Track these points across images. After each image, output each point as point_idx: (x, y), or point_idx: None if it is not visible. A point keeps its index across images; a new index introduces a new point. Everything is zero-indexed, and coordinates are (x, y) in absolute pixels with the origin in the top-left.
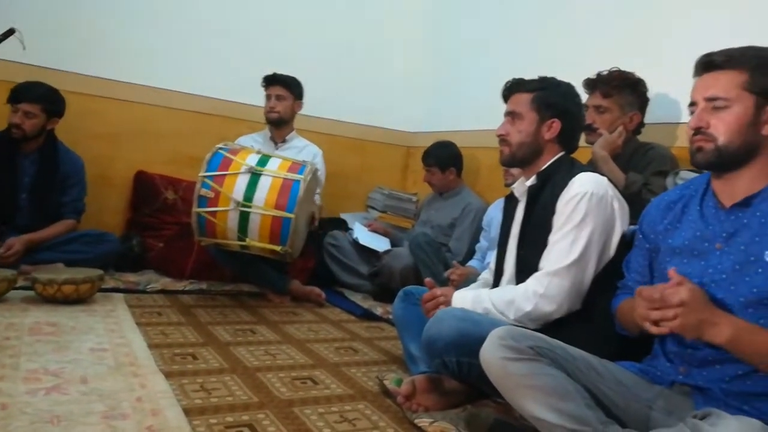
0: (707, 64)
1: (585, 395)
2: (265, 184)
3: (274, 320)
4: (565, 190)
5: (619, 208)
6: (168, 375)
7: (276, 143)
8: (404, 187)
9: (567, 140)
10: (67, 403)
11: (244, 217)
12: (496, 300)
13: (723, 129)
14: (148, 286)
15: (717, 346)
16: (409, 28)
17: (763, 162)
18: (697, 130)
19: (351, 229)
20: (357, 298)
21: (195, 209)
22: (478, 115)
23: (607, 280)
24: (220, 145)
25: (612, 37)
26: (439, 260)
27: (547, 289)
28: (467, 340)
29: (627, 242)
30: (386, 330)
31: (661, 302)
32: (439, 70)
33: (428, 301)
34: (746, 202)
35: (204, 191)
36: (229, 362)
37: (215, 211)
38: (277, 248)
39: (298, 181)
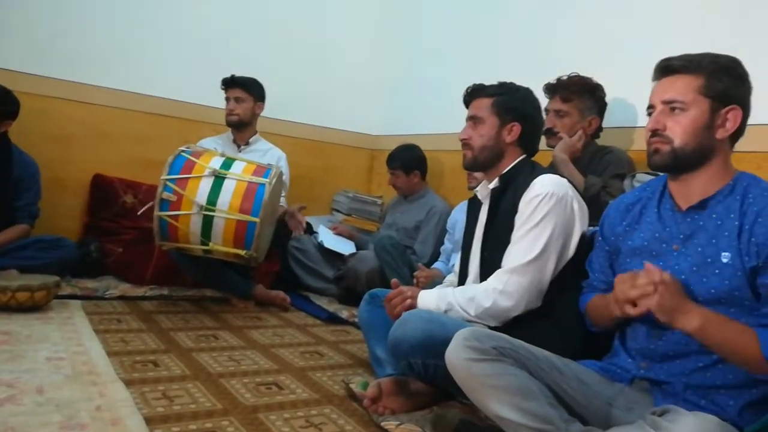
0: (666, 69)
1: (548, 394)
2: (229, 188)
3: (238, 325)
4: (527, 191)
5: (579, 209)
6: (128, 383)
7: (239, 146)
8: (369, 189)
9: (527, 143)
10: (22, 415)
11: (207, 221)
12: (459, 296)
13: (679, 131)
14: (107, 293)
15: (678, 339)
16: (372, 32)
17: (718, 165)
18: (654, 132)
19: (316, 232)
20: (322, 302)
21: (156, 213)
22: (441, 118)
23: (567, 280)
24: (182, 148)
25: (571, 43)
26: (405, 263)
27: (506, 285)
28: (433, 342)
29: (588, 243)
30: (352, 333)
31: (644, 280)
32: (402, 74)
33: (393, 298)
34: (702, 205)
35: (166, 194)
36: (192, 369)
37: (177, 215)
38: (242, 252)
39: (263, 185)
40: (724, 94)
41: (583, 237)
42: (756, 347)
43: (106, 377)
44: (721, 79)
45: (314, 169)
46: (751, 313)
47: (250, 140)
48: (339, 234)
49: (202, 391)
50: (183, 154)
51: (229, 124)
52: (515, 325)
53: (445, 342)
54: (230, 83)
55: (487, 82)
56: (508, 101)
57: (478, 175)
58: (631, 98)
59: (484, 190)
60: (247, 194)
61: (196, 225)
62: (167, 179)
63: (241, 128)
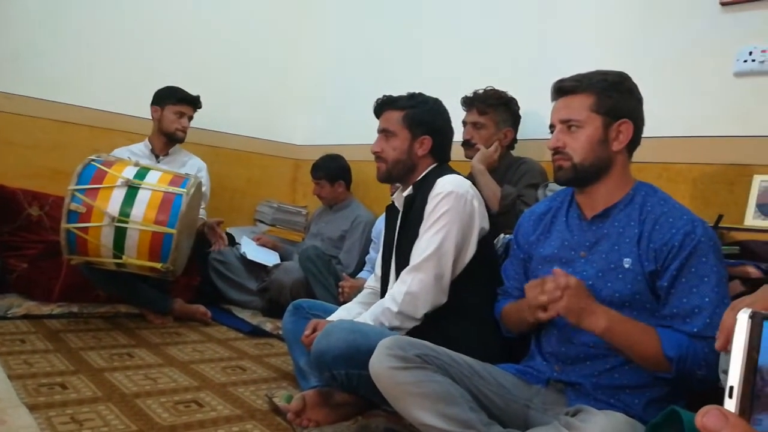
0: (559, 90)
1: (469, 399)
2: (143, 199)
3: (154, 342)
4: (432, 188)
5: (479, 206)
6: (33, 408)
7: (158, 156)
8: (293, 200)
9: (439, 153)
10: None
11: (120, 234)
12: (369, 319)
13: (577, 148)
14: (9, 311)
15: (588, 342)
16: (295, 41)
17: (618, 175)
18: (556, 150)
19: (238, 243)
20: (245, 315)
21: (64, 225)
22: (366, 128)
23: (478, 280)
24: (92, 157)
25: (487, 56)
26: (330, 273)
27: (410, 285)
28: (356, 352)
29: (503, 251)
30: (276, 346)
31: (551, 285)
32: (326, 84)
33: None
34: (605, 214)
35: (74, 206)
36: (104, 390)
37: (87, 227)
38: (158, 266)
39: (180, 195)
40: (614, 109)
41: (488, 237)
42: (657, 346)
43: (7, 402)
44: (611, 96)
45: (237, 180)
46: (652, 314)
47: (170, 150)
48: (262, 245)
49: (114, 413)
50: (93, 163)
51: (175, 139)
52: (436, 331)
53: (369, 351)
54: (194, 103)
55: (409, 92)
56: (418, 115)
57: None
58: (543, 111)
59: (400, 197)
60: (163, 205)
61: (107, 237)
62: (76, 189)
63: (175, 142)
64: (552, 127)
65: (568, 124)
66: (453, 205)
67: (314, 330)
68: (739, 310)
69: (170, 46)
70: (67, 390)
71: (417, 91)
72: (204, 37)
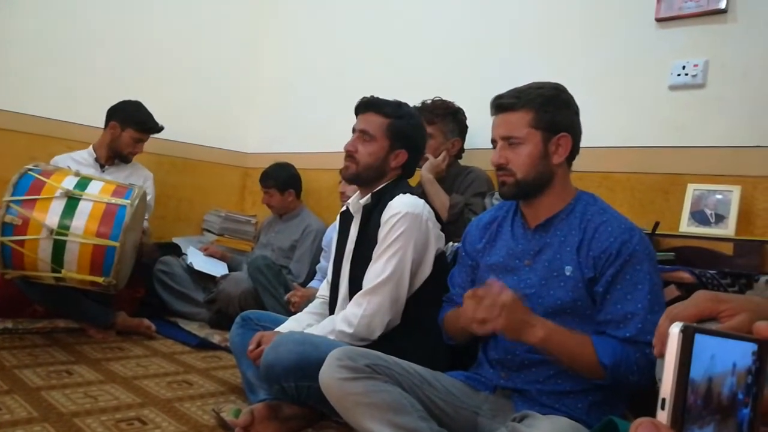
0: (499, 106)
1: (419, 408)
2: (84, 210)
3: (95, 358)
4: (385, 210)
5: (434, 227)
6: None
7: (102, 166)
8: (242, 209)
9: (408, 168)
10: None
11: (59, 247)
12: (320, 331)
13: (519, 164)
14: None
15: (533, 347)
16: (248, 49)
17: (559, 186)
18: (499, 167)
19: (185, 254)
20: (192, 327)
21: None
22: (316, 137)
23: (430, 296)
24: (29, 166)
25: (437, 68)
26: (280, 283)
27: (365, 309)
28: (306, 364)
29: (452, 259)
30: (224, 359)
31: (488, 301)
32: (278, 92)
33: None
34: (547, 223)
35: (9, 218)
36: (40, 410)
37: (23, 240)
38: (99, 280)
39: (123, 207)
40: (552, 123)
41: (441, 255)
42: (592, 354)
43: None
44: (548, 110)
45: (183, 188)
46: (592, 321)
47: (116, 160)
48: (210, 255)
49: None
50: (30, 173)
51: (124, 159)
52: (386, 341)
53: (319, 363)
54: (156, 131)
55: (396, 101)
56: (403, 127)
57: (349, 190)
58: (489, 122)
59: (356, 204)
60: (106, 217)
61: (45, 251)
62: (11, 201)
63: (123, 161)
64: (494, 142)
65: (509, 141)
66: (408, 227)
67: (259, 344)
68: (672, 316)
69: (113, 49)
70: (0, 411)
71: (402, 101)
72: (152, 41)
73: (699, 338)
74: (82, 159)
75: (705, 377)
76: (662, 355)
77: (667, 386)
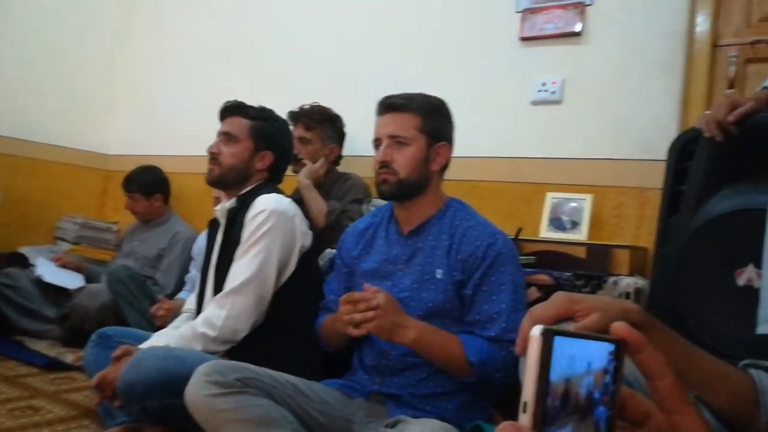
0: (390, 106)
1: (292, 420)
2: None
3: None
4: (250, 208)
5: (300, 223)
6: None
7: None
8: (102, 215)
9: (275, 172)
10: None
11: None
12: (179, 342)
13: (403, 164)
14: None
15: (406, 348)
16: (112, 44)
17: (433, 193)
18: (383, 164)
19: (33, 265)
20: (41, 346)
21: None
22: (186, 139)
23: (296, 294)
24: None
25: (315, 74)
26: (144, 295)
27: (230, 310)
28: (171, 380)
29: (328, 266)
30: (78, 380)
31: (364, 304)
32: (144, 91)
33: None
34: (420, 229)
35: None
36: None
37: None
38: None
39: None
40: (436, 132)
41: (308, 252)
42: (461, 352)
43: None
44: (435, 119)
45: (33, 192)
46: (461, 321)
47: None
48: (63, 266)
49: None
50: None
51: None
52: (255, 348)
53: (185, 379)
54: None
55: (241, 103)
56: (267, 129)
57: (224, 195)
58: (367, 129)
59: (222, 209)
60: None
61: None
62: None
63: None
64: (378, 140)
65: (396, 140)
66: (273, 224)
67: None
68: (534, 317)
69: None
70: None
71: (267, 107)
72: (2, 32)
73: (558, 341)
74: None
75: (563, 378)
76: (524, 353)
77: (528, 389)
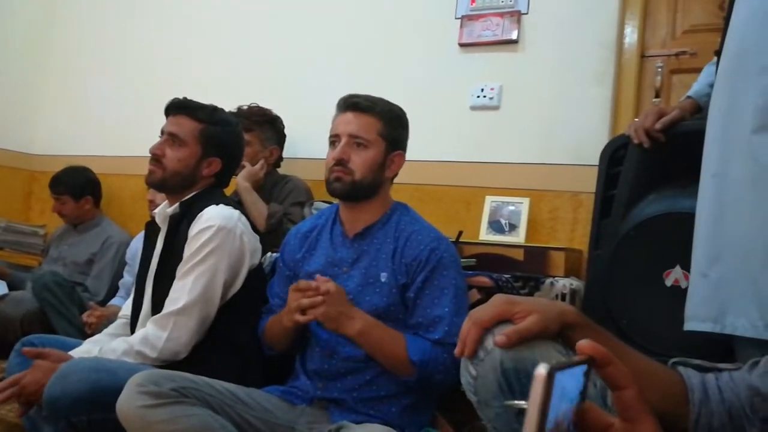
0: (354, 105)
1: (231, 429)
2: None
3: None
4: (194, 222)
5: (249, 241)
6: None
7: None
8: (28, 218)
9: (222, 177)
10: None
11: None
12: (111, 356)
13: (360, 165)
14: None
15: (348, 356)
16: (30, 35)
17: (382, 198)
18: (339, 162)
19: None
20: None
21: None
22: (119, 138)
23: (241, 311)
24: None
25: (256, 74)
26: (73, 302)
27: (171, 331)
28: (101, 394)
29: (270, 270)
30: None
31: (313, 291)
32: (75, 86)
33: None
34: (365, 232)
35: None
36: None
37: None
38: None
39: None
40: (395, 139)
41: (256, 268)
42: (404, 350)
43: None
44: (395, 127)
45: None
46: (405, 325)
47: None
48: None
49: None
50: None
51: None
52: (193, 361)
53: (116, 391)
54: None
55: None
56: (218, 134)
57: (158, 198)
58: (309, 131)
59: (163, 213)
60: None
61: None
62: None
63: None
64: (336, 137)
65: (356, 141)
66: (220, 243)
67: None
68: (474, 319)
69: None
70: None
71: (218, 107)
72: None
73: (558, 376)
74: None
75: (559, 412)
76: (462, 355)
77: (531, 426)
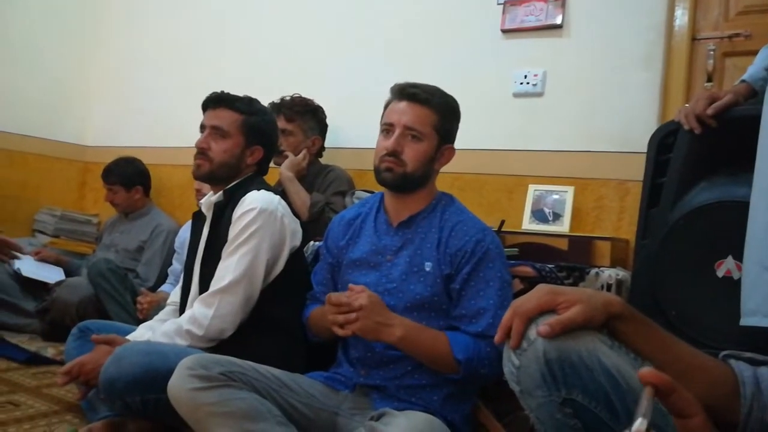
0: (411, 95)
1: (277, 413)
2: None
3: None
4: (238, 206)
5: (289, 223)
6: None
7: None
8: (82, 207)
9: (262, 164)
10: None
11: None
12: (163, 338)
13: (413, 158)
14: None
15: (391, 346)
16: (81, 34)
17: (428, 189)
18: (393, 153)
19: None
20: (21, 341)
21: None
22: (166, 130)
23: (283, 293)
24: None
25: (296, 65)
26: (126, 288)
27: (217, 309)
28: (153, 376)
29: (312, 258)
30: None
31: (346, 307)
32: (124, 81)
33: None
34: (410, 221)
35: None
36: None
37: None
38: None
39: None
40: (448, 133)
41: (297, 251)
42: (448, 350)
43: None
44: (449, 120)
45: (10, 184)
46: (447, 315)
47: None
48: (42, 259)
49: None
50: None
51: None
52: (238, 343)
53: (168, 374)
54: None
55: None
56: (258, 124)
57: (206, 188)
58: (350, 121)
59: (208, 203)
60: None
61: None
62: None
63: None
64: (390, 126)
65: (411, 133)
66: (262, 224)
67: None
68: (516, 309)
69: None
70: None
71: (253, 97)
72: None
73: None
74: None
75: None
76: (502, 342)
77: None
